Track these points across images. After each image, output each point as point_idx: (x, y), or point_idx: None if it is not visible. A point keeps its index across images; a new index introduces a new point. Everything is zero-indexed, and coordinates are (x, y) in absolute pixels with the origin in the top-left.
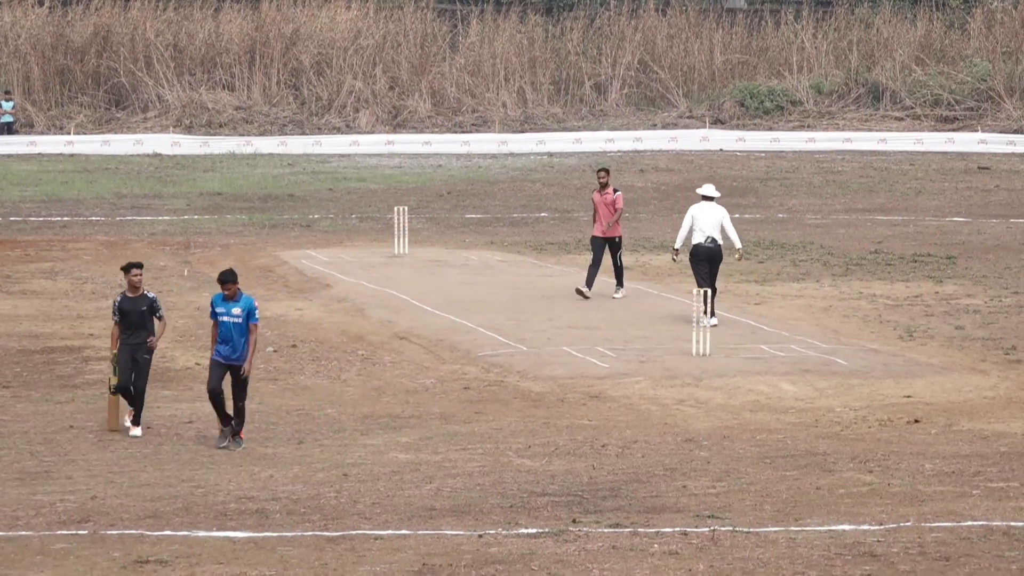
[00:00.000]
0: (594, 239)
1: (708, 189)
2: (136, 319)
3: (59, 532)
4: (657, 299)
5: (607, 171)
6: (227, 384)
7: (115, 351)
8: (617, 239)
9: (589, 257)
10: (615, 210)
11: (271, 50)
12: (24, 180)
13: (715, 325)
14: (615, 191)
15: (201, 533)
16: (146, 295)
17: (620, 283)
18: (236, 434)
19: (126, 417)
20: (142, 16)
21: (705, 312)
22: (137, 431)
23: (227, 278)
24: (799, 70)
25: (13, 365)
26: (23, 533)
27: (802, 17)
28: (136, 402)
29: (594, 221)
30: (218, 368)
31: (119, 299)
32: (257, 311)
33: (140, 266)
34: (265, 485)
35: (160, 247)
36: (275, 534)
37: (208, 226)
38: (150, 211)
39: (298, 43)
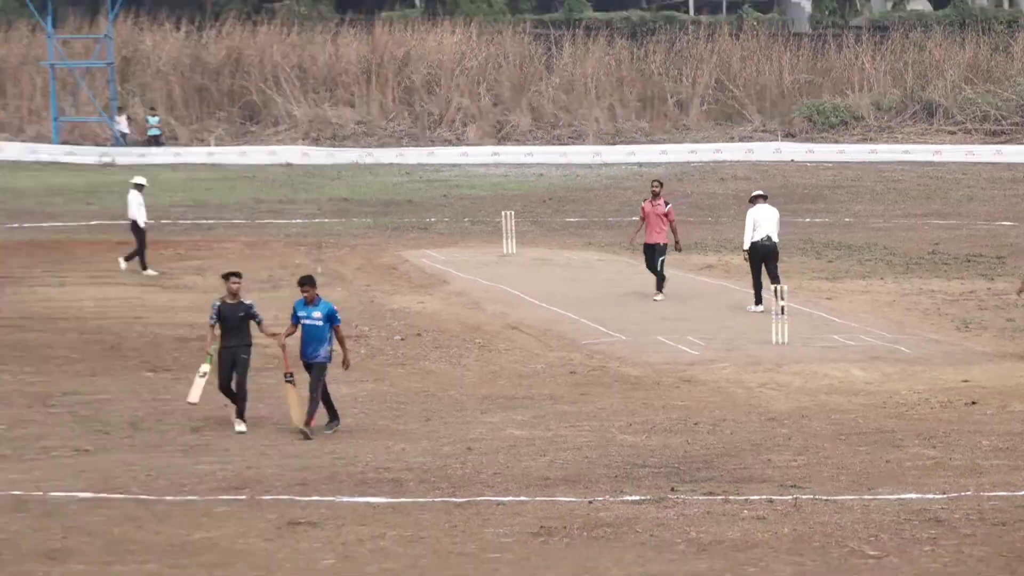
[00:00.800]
0: (646, 246)
1: (761, 191)
2: (234, 323)
3: (221, 497)
4: (740, 295)
5: (661, 183)
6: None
7: (209, 351)
8: (663, 245)
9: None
10: (668, 222)
11: (386, 70)
12: (172, 187)
13: (762, 311)
14: (666, 203)
15: (345, 499)
16: (243, 302)
17: (660, 288)
18: (310, 422)
19: (241, 426)
20: (269, 40)
21: (776, 303)
22: (242, 427)
23: (305, 281)
24: (860, 89)
25: (172, 351)
26: (189, 498)
27: (862, 41)
28: (239, 400)
29: (640, 228)
30: (308, 368)
31: (218, 303)
32: (338, 313)
33: (239, 275)
34: (399, 457)
35: (295, 247)
36: (410, 500)
37: (337, 228)
38: (285, 215)
39: (410, 64)
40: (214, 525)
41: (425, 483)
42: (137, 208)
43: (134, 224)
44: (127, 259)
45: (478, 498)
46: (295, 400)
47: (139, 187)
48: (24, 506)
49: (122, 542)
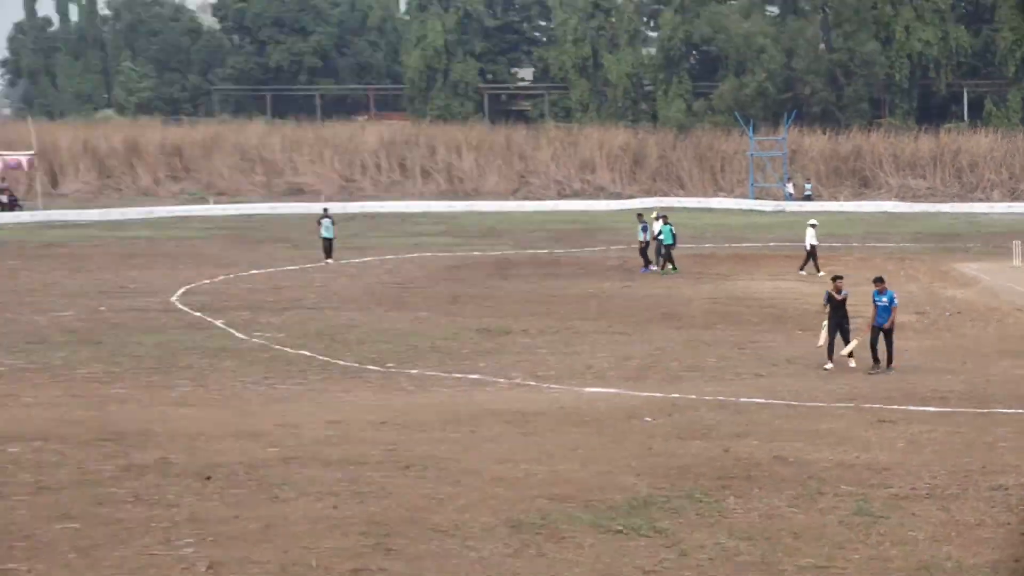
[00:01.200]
0: None
1: None
2: (836, 305)
3: (837, 404)
4: None
5: None
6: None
7: (827, 321)
8: None
9: None
10: None
11: (945, 158)
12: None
13: None
14: None
15: (912, 407)
16: (842, 291)
17: None
18: (889, 364)
19: (828, 364)
20: (878, 140)
21: None
22: (852, 363)
23: (878, 280)
24: None
25: (813, 319)
26: (819, 404)
27: None
28: (846, 345)
29: None
30: (875, 331)
31: (828, 292)
32: (896, 299)
33: (841, 276)
34: (945, 384)
35: (889, 260)
36: (951, 409)
37: (913, 249)
38: (882, 241)
39: (959, 154)
40: (834, 421)
41: (962, 399)
42: (810, 236)
43: (811, 248)
44: (817, 271)
45: (992, 410)
46: (859, 346)
47: (813, 225)
48: (723, 407)
49: (779, 430)
